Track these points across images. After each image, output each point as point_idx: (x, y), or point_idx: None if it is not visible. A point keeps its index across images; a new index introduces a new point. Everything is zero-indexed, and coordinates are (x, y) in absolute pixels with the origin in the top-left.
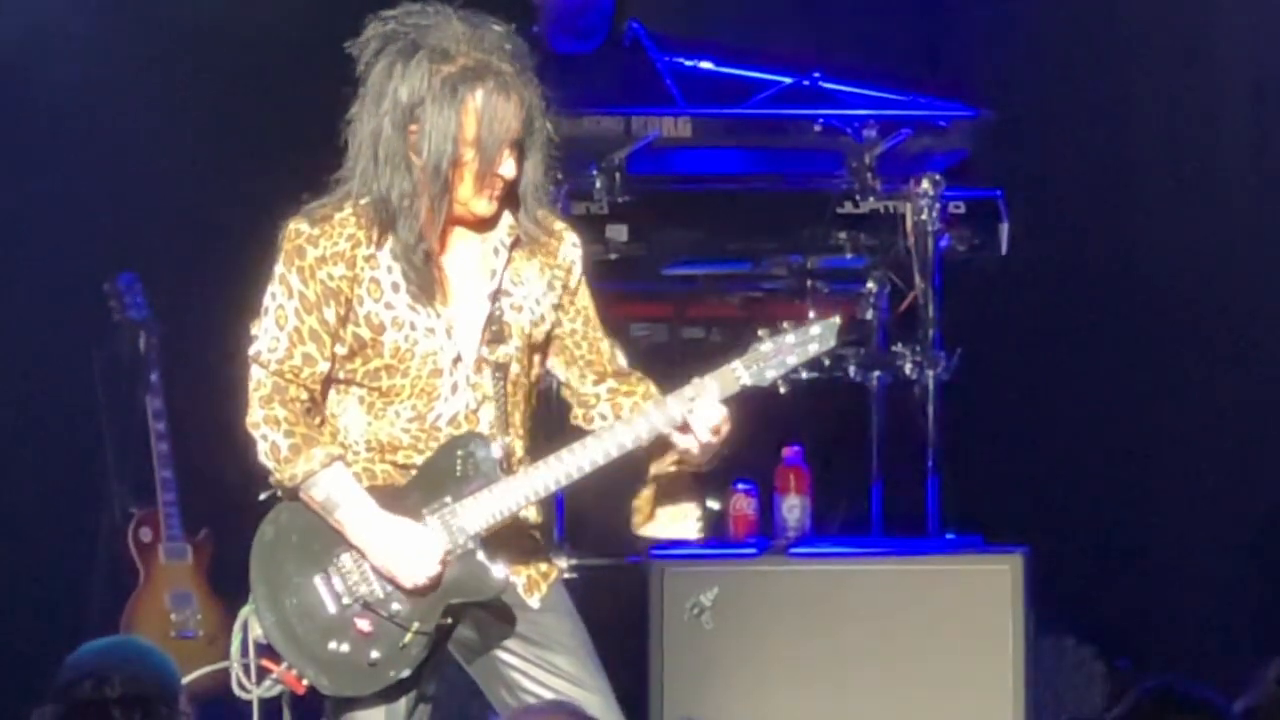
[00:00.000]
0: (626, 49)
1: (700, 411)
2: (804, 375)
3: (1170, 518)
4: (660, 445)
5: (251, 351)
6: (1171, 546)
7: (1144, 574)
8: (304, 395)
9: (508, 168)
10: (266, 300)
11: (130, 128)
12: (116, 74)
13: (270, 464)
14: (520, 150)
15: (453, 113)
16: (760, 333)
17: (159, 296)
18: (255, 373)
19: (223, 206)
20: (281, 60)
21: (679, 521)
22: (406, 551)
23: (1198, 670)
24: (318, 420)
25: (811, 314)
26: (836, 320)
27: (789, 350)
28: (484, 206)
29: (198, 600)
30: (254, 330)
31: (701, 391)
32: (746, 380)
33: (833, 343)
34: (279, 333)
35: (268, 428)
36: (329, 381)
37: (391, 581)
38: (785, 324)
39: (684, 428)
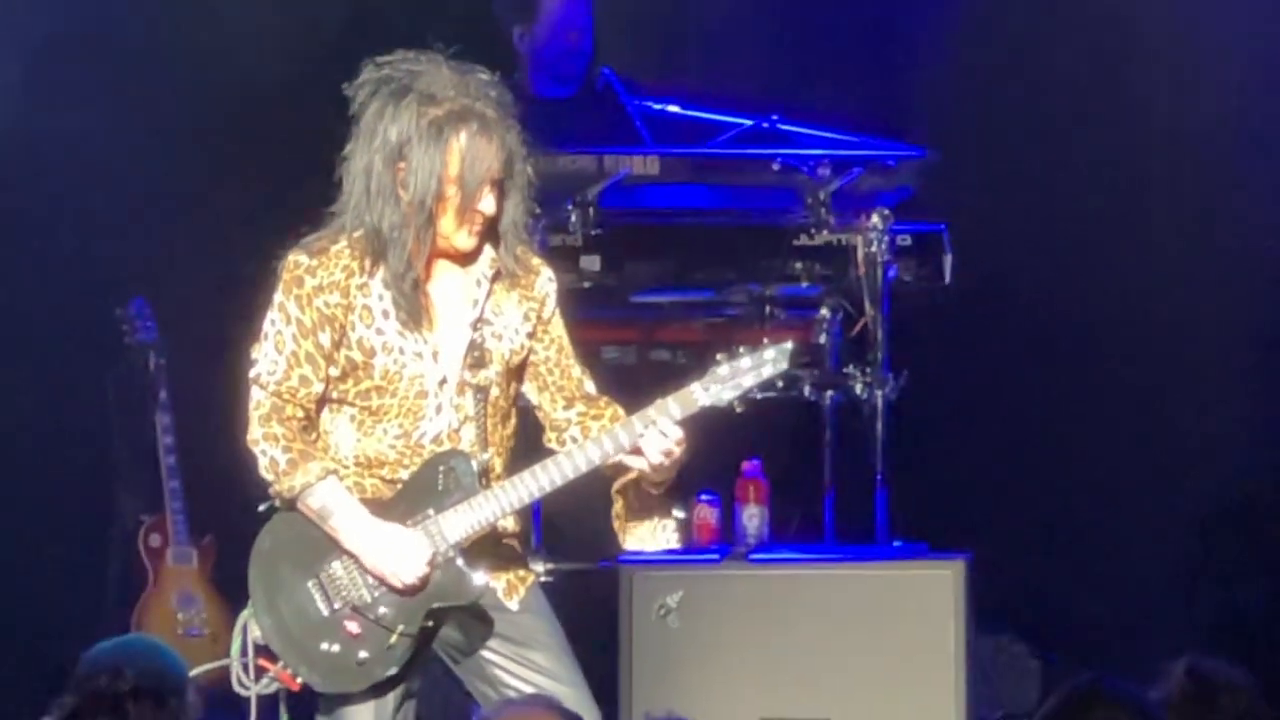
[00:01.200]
0: (599, 93)
1: (652, 436)
2: (759, 396)
3: (1100, 527)
4: (619, 466)
5: (252, 374)
6: (1100, 553)
7: (1076, 578)
8: (300, 414)
9: (487, 204)
10: (266, 326)
11: (143, 169)
12: (128, 118)
13: (270, 477)
14: (501, 189)
15: (438, 152)
16: (718, 356)
17: (168, 320)
18: (255, 393)
19: (228, 238)
20: (285, 99)
21: (656, 535)
22: (395, 554)
23: (1122, 666)
24: (313, 437)
25: (765, 340)
26: (789, 345)
27: (744, 373)
28: (465, 240)
29: (202, 601)
30: (254, 354)
31: (663, 411)
32: (705, 401)
33: (785, 366)
34: (278, 356)
35: (267, 444)
36: (323, 401)
37: (382, 582)
38: (741, 348)
39: (637, 450)
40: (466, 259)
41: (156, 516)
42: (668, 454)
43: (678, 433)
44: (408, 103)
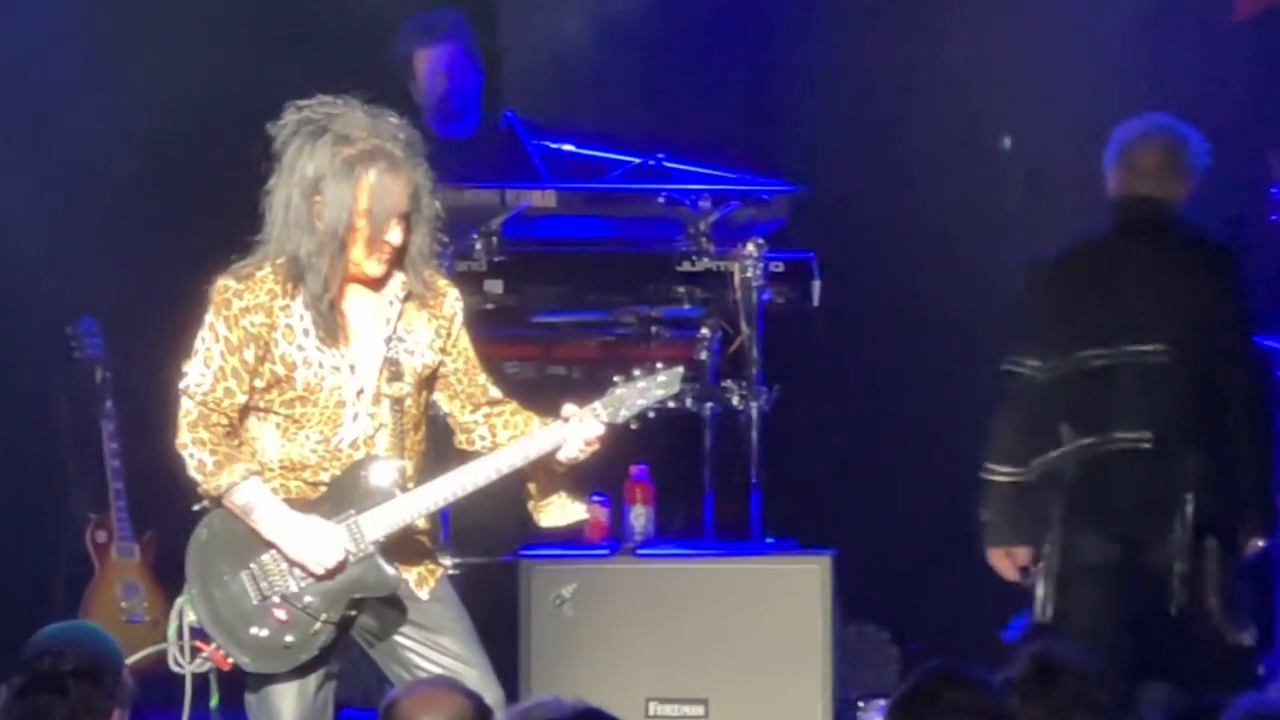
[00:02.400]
0: (502, 133)
1: (575, 434)
2: (651, 414)
3: (953, 524)
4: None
5: (182, 385)
6: (954, 549)
7: (932, 571)
8: (224, 421)
9: (394, 235)
10: (197, 343)
11: (91, 207)
12: (77, 155)
13: (198, 477)
14: (408, 222)
15: (349, 187)
16: (615, 379)
17: (114, 337)
18: (184, 403)
19: (167, 264)
20: (221, 138)
21: (566, 510)
22: (312, 543)
23: (972, 651)
24: (236, 442)
25: (659, 364)
26: (680, 369)
27: (639, 394)
28: (374, 268)
29: (144, 590)
30: (185, 368)
31: (570, 421)
32: (604, 418)
33: (676, 389)
34: (205, 370)
35: (195, 448)
36: (250, 410)
37: (303, 570)
38: (636, 371)
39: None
40: (379, 283)
41: (103, 514)
42: (589, 443)
43: (598, 430)
44: (324, 142)
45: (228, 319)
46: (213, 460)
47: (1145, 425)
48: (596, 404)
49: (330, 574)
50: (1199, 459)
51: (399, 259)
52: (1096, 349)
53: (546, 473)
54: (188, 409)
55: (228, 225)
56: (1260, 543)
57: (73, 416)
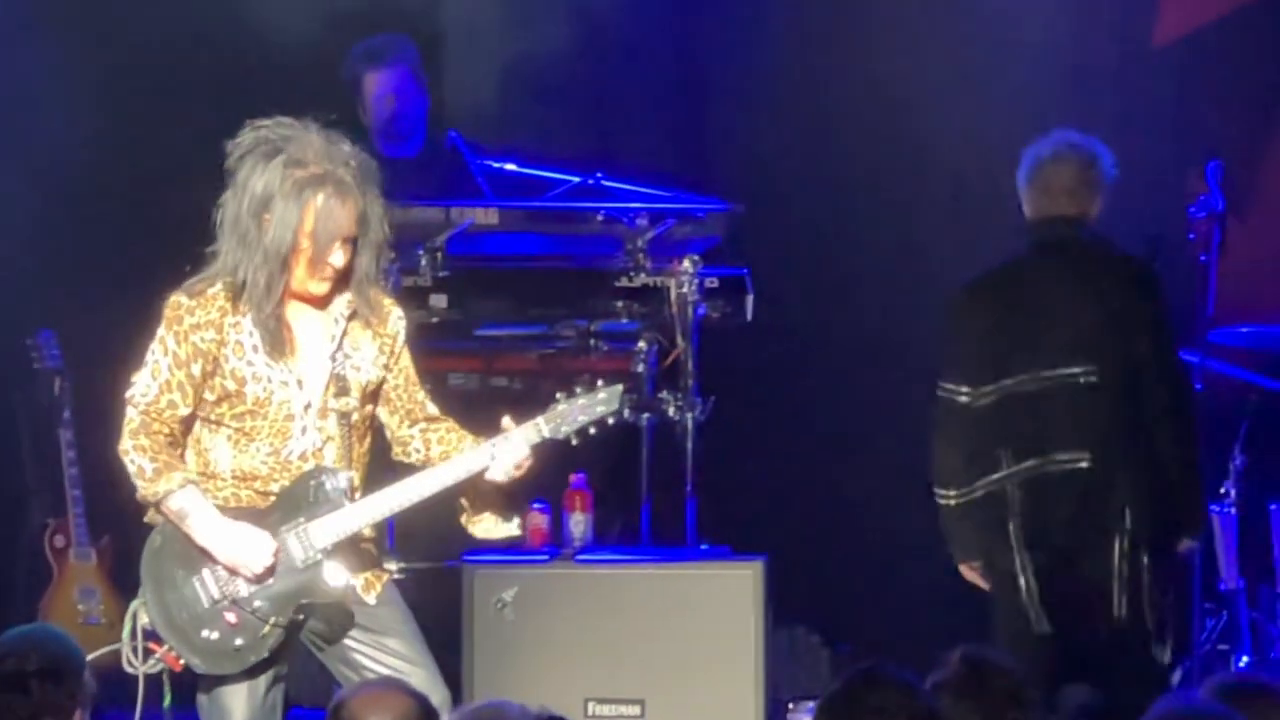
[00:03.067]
0: (447, 153)
1: (503, 456)
2: (591, 431)
3: (883, 531)
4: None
5: (128, 394)
6: (883, 555)
7: (862, 577)
8: (166, 430)
9: (337, 258)
10: (148, 355)
11: (51, 223)
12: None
13: (138, 483)
14: (355, 245)
15: (296, 209)
16: (558, 395)
17: (72, 349)
18: (129, 411)
19: (123, 280)
20: (174, 152)
21: (499, 525)
22: (242, 548)
23: (901, 654)
24: (178, 452)
25: (600, 381)
26: (620, 386)
27: (580, 410)
28: (317, 287)
29: (100, 593)
30: (134, 378)
31: (510, 441)
32: (545, 433)
33: (617, 406)
34: (152, 382)
35: (135, 454)
36: (204, 422)
37: (234, 573)
38: (578, 389)
39: (488, 470)
40: (325, 300)
41: (61, 520)
42: (518, 467)
43: (525, 451)
44: (277, 163)
45: (178, 334)
46: (151, 467)
47: (1082, 446)
48: (539, 419)
49: (268, 575)
50: (1133, 476)
51: (345, 279)
52: (1026, 374)
53: (478, 490)
54: (131, 417)
55: (182, 240)
56: (1191, 542)
57: (32, 426)
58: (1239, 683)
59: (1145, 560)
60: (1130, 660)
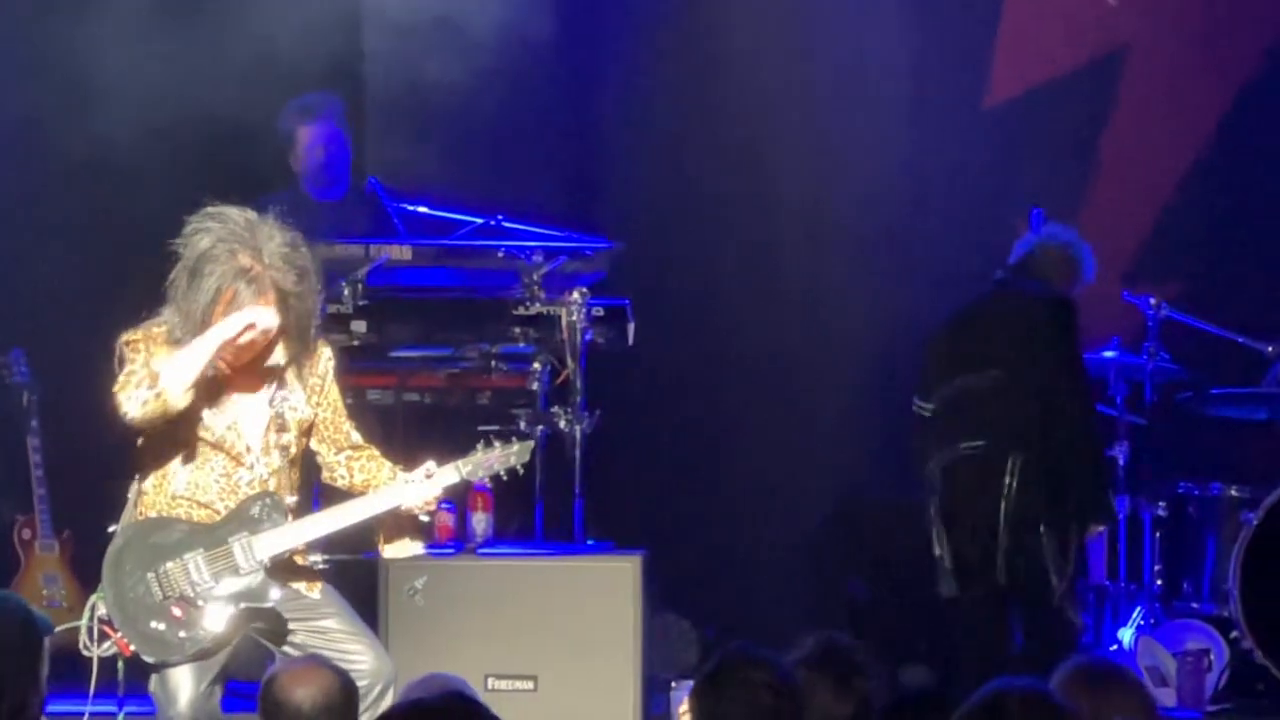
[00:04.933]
0: (367, 197)
1: (423, 492)
2: (502, 473)
3: (749, 528)
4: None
5: (113, 389)
6: (750, 549)
7: (731, 569)
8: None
9: (246, 342)
10: (124, 368)
11: (23, 246)
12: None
13: (146, 394)
14: (286, 305)
15: (215, 290)
16: (478, 445)
17: (40, 366)
18: (115, 394)
19: (90, 302)
20: (141, 177)
21: (406, 547)
22: (242, 313)
23: (764, 636)
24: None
25: (514, 437)
26: (531, 443)
27: (496, 460)
28: (229, 355)
29: (62, 580)
30: (116, 388)
31: (433, 475)
32: (464, 475)
33: (527, 459)
34: (132, 369)
35: (130, 389)
36: (162, 439)
37: (249, 328)
38: (496, 442)
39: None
40: (265, 351)
41: (28, 516)
42: (426, 504)
43: (435, 492)
44: (217, 250)
45: (146, 350)
46: (143, 378)
47: (979, 435)
48: (459, 462)
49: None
50: (1023, 460)
51: (275, 343)
52: (949, 382)
53: (395, 517)
54: (117, 388)
55: (149, 276)
56: (1100, 529)
57: (2, 434)
58: (1090, 666)
59: (1046, 535)
60: (1043, 622)
